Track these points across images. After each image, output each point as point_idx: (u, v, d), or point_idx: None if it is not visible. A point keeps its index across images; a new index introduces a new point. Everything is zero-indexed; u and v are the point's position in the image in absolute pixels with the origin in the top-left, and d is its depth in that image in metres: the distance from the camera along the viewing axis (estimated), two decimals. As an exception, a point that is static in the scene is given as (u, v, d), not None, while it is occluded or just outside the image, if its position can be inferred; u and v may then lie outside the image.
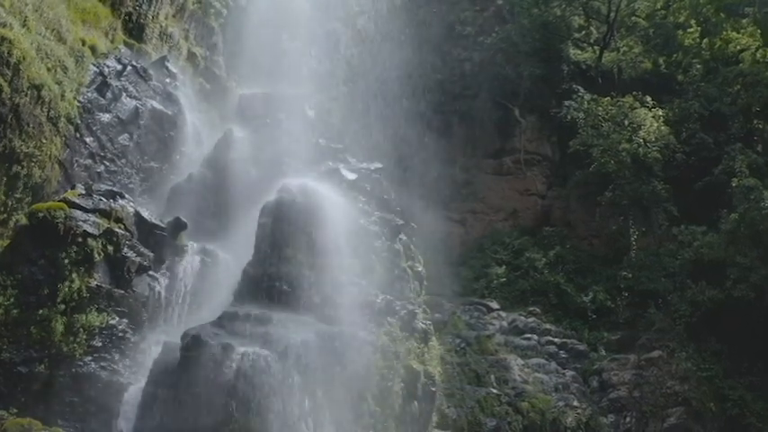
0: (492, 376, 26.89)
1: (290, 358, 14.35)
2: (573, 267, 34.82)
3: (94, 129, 19.20)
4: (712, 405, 26.16)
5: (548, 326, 32.13)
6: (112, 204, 16.72)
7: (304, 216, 16.83)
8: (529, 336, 31.33)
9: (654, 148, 33.03)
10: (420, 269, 22.02)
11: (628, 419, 26.81)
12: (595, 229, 36.37)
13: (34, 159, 16.98)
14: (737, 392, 26.18)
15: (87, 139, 18.94)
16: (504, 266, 35.39)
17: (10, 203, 16.50)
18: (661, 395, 27.09)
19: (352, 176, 19.57)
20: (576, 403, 27.04)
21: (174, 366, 14.40)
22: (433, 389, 19.05)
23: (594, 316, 32.29)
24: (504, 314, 33.13)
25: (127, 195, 17.67)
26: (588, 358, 30.09)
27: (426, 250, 36.22)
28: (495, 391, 25.76)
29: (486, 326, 31.71)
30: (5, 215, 16.38)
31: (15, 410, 14.03)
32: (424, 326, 19.98)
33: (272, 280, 15.93)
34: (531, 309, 33.20)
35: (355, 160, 21.92)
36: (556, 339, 31.15)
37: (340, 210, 17.93)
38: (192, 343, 14.30)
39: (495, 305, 33.56)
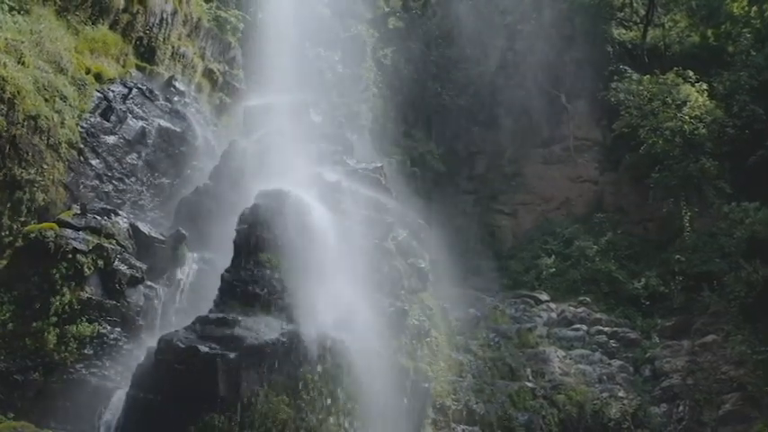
0: (528, 370, 26.36)
1: (252, 358, 14.85)
2: (625, 253, 33.83)
3: (100, 151, 20.43)
4: (769, 389, 24.79)
5: (598, 315, 31.28)
6: (103, 222, 17.82)
7: (277, 221, 17.26)
8: (578, 326, 30.59)
9: (700, 125, 31.50)
10: (423, 265, 21.95)
11: (681, 408, 25.82)
12: (649, 213, 35.12)
13: (36, 184, 18.25)
14: (794, 375, 24.71)
15: (93, 162, 20.18)
16: (553, 257, 34.73)
17: (15, 227, 17.79)
18: (715, 381, 26.06)
19: (333, 178, 19.80)
20: (621, 394, 26.19)
21: (151, 370, 15.17)
22: (426, 385, 18.97)
23: (648, 302, 31.32)
24: (553, 305, 32.45)
25: (121, 212, 18.80)
26: (640, 346, 29.19)
27: (475, 245, 36.13)
28: (529, 384, 25.27)
29: (533, 318, 31.14)
30: (11, 238, 17.66)
31: (12, 415, 15.29)
32: (417, 322, 19.91)
33: (246, 284, 16.44)
34: (582, 298, 32.46)
35: (354, 161, 22.14)
36: (606, 329, 30.27)
37: (317, 212, 18.23)
38: (164, 347, 15.03)
39: (544, 297, 32.95)
